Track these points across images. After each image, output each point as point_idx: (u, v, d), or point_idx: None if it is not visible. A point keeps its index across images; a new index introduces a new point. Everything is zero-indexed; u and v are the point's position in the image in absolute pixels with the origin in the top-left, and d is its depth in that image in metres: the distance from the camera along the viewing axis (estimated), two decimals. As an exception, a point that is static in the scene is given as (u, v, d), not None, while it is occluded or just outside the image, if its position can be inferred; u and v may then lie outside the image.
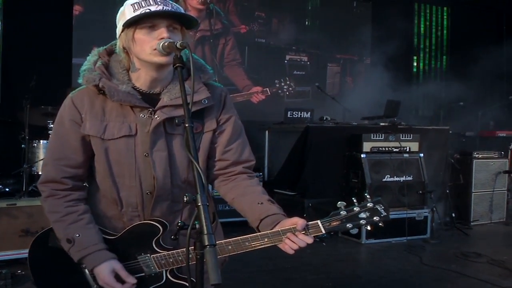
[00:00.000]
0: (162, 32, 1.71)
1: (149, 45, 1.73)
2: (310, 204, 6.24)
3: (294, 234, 1.72)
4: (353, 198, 1.81)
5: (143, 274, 1.82)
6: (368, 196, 1.82)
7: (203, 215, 1.41)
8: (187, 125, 1.55)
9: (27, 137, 5.68)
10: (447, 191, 6.94)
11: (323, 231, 1.75)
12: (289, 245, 1.74)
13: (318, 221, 1.75)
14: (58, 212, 1.82)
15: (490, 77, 10.97)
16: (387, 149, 6.25)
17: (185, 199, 1.45)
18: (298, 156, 6.57)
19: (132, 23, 1.73)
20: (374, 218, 1.78)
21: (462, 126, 8.20)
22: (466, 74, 9.96)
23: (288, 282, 4.55)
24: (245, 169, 1.99)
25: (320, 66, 9.82)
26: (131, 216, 1.84)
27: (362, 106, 9.25)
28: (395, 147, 6.27)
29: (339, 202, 1.80)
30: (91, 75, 1.77)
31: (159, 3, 1.71)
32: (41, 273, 1.90)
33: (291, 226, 1.73)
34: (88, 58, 1.85)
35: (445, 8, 11.13)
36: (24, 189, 5.51)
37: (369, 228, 1.82)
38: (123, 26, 1.76)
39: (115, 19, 1.90)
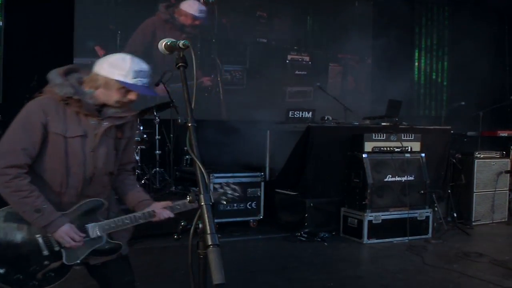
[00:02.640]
0: (134, 95, 2.38)
1: (118, 98, 2.37)
2: (311, 204, 6.24)
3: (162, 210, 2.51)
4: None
5: (89, 238, 2.40)
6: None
7: (206, 215, 1.41)
8: (189, 124, 1.56)
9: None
10: (449, 191, 6.94)
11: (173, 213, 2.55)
12: (158, 216, 2.49)
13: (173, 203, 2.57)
14: (25, 190, 2.27)
15: (491, 76, 10.95)
16: (388, 149, 6.24)
17: (189, 198, 1.46)
18: (299, 156, 6.56)
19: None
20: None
21: (464, 126, 8.18)
22: (467, 74, 9.95)
23: (289, 282, 4.55)
24: (132, 167, 2.75)
25: (322, 66, 9.81)
26: (71, 196, 2.39)
27: (363, 106, 9.24)
28: (397, 147, 6.26)
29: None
30: (67, 89, 2.33)
31: (147, 76, 2.39)
32: None
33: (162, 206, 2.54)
34: (51, 77, 2.40)
35: (446, 8, 11.11)
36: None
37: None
38: (118, 79, 2.33)
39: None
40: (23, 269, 2.31)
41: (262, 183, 6.56)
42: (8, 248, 2.31)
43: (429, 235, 6.16)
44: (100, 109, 2.40)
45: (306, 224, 6.20)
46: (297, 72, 9.56)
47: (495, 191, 7.00)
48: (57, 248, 2.34)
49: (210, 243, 1.36)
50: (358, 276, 4.80)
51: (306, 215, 6.21)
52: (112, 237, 2.49)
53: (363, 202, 5.96)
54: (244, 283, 4.44)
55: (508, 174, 7.13)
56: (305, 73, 9.63)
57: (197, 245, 1.50)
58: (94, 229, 2.41)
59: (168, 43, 1.82)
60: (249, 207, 6.47)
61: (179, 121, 1.66)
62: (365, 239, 5.87)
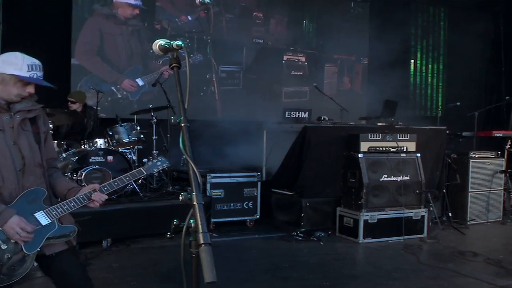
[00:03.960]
0: (32, 88, 2.52)
1: (17, 92, 2.48)
2: (308, 204, 6.26)
3: (97, 193, 2.58)
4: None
5: (40, 226, 2.46)
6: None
7: (198, 214, 1.43)
8: (182, 124, 1.58)
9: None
10: (444, 190, 6.97)
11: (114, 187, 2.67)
12: (97, 201, 2.57)
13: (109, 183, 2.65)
14: None
15: (487, 77, 10.99)
16: (384, 149, 6.26)
17: (181, 198, 1.48)
18: (296, 156, 6.58)
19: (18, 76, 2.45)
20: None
21: (459, 126, 8.22)
22: (463, 74, 9.99)
23: (285, 281, 4.57)
24: (56, 164, 2.87)
25: (318, 66, 9.84)
26: (10, 189, 2.46)
27: (359, 106, 9.27)
28: (393, 147, 6.29)
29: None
30: None
31: (40, 70, 2.52)
32: None
33: (92, 189, 2.59)
34: None
35: (441, 9, 11.16)
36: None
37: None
38: (13, 74, 2.44)
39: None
40: None
41: (259, 183, 6.58)
42: None
43: (424, 234, 6.18)
44: (9, 106, 2.52)
45: (302, 223, 6.22)
46: (293, 73, 9.59)
47: (490, 191, 7.04)
48: (14, 240, 2.40)
49: (202, 242, 1.38)
50: (353, 275, 4.83)
51: (302, 214, 6.23)
52: (62, 222, 2.56)
53: (359, 202, 5.98)
54: (240, 282, 4.46)
55: (503, 174, 7.16)
56: (301, 73, 9.66)
57: (190, 244, 1.51)
58: (43, 216, 2.48)
59: (162, 44, 1.77)
60: (246, 207, 6.48)
61: (173, 121, 1.68)
62: (361, 239, 5.89)
